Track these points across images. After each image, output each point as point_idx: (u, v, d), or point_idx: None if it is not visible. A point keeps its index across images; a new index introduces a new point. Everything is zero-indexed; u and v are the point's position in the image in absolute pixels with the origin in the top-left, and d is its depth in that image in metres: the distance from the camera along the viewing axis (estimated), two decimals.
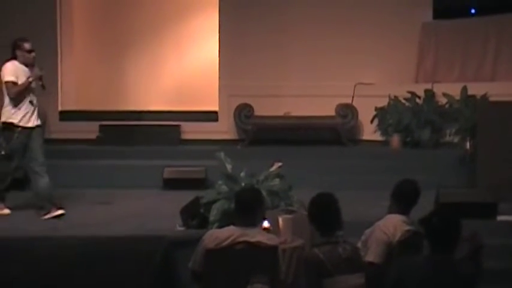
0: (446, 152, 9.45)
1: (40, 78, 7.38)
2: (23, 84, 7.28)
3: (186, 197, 6.65)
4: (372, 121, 10.59)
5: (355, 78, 10.89)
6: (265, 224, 5.18)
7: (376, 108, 10.52)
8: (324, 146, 10.44)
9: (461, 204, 6.46)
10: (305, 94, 10.82)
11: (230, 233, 4.65)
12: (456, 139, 9.39)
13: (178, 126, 11.15)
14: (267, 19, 11.10)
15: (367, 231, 5.05)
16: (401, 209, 5.08)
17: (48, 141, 7.77)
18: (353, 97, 10.85)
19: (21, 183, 8.10)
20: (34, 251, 5.68)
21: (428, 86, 10.50)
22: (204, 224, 6.14)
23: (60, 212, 7.27)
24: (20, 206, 7.60)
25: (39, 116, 7.51)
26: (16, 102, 7.28)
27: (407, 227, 4.93)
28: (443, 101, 10.23)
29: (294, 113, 10.84)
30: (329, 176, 8.62)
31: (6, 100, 7.32)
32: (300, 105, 10.79)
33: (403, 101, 10.42)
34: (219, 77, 11.28)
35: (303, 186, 6.68)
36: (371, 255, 4.84)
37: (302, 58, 11.06)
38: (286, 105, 10.92)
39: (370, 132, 10.68)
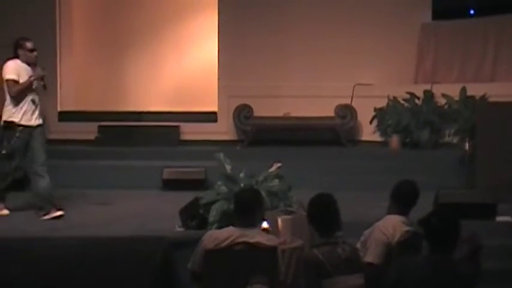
0: (446, 153, 9.45)
1: (42, 78, 7.36)
2: (24, 83, 7.26)
3: (185, 197, 6.65)
4: (371, 122, 10.59)
5: (354, 79, 10.90)
6: (265, 224, 5.18)
7: (375, 109, 10.52)
8: (323, 147, 10.43)
9: (460, 205, 6.46)
10: (304, 95, 10.82)
11: (229, 234, 4.65)
12: (455, 140, 9.40)
13: (177, 127, 11.14)
14: (267, 19, 11.10)
15: (367, 231, 5.05)
16: (401, 209, 5.09)
17: (47, 142, 7.74)
18: (352, 98, 10.85)
19: (21, 183, 8.07)
20: (33, 252, 5.66)
21: (428, 87, 10.50)
22: (203, 224, 6.13)
23: (59, 213, 7.26)
24: (20, 207, 7.58)
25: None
26: (17, 101, 7.25)
27: (407, 228, 4.93)
28: (442, 101, 10.23)
29: (293, 114, 10.84)
30: (328, 176, 8.62)
31: (8, 99, 7.29)
32: (299, 106, 10.80)
33: (402, 102, 10.42)
34: (219, 78, 11.27)
35: (302, 186, 6.67)
36: (370, 256, 4.85)
37: (301, 58, 11.06)
38: (285, 105, 10.93)
39: (369, 132, 10.68)
